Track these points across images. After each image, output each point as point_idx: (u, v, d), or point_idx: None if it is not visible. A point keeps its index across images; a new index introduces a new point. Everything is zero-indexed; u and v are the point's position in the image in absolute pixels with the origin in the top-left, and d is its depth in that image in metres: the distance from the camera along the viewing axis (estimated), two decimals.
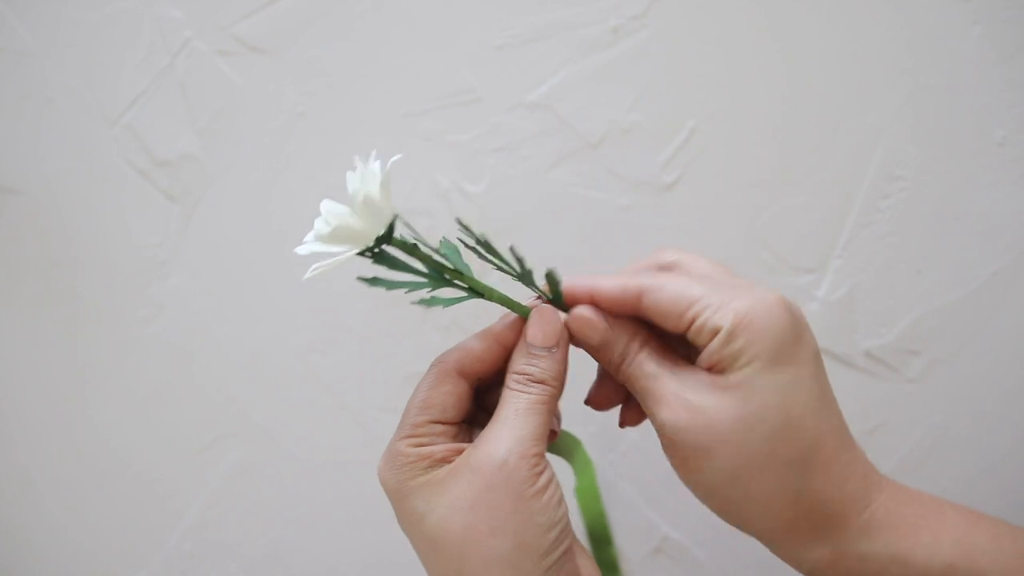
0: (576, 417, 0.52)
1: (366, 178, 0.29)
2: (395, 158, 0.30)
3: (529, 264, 0.32)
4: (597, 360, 0.33)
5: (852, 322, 0.53)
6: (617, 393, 0.35)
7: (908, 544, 0.29)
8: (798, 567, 0.30)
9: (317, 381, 0.57)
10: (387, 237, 0.30)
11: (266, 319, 0.57)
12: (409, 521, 0.30)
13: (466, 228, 0.31)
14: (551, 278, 0.32)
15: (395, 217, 0.31)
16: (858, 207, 0.53)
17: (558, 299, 0.32)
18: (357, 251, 0.30)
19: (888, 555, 0.29)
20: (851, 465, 0.30)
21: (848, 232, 0.53)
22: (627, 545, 0.55)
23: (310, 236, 0.30)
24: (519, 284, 0.32)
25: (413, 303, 0.31)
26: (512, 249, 0.31)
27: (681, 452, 0.30)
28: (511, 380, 0.31)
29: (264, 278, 0.57)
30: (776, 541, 0.30)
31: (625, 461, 0.54)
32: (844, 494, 0.29)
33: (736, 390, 0.28)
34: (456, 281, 0.31)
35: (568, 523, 0.30)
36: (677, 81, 0.53)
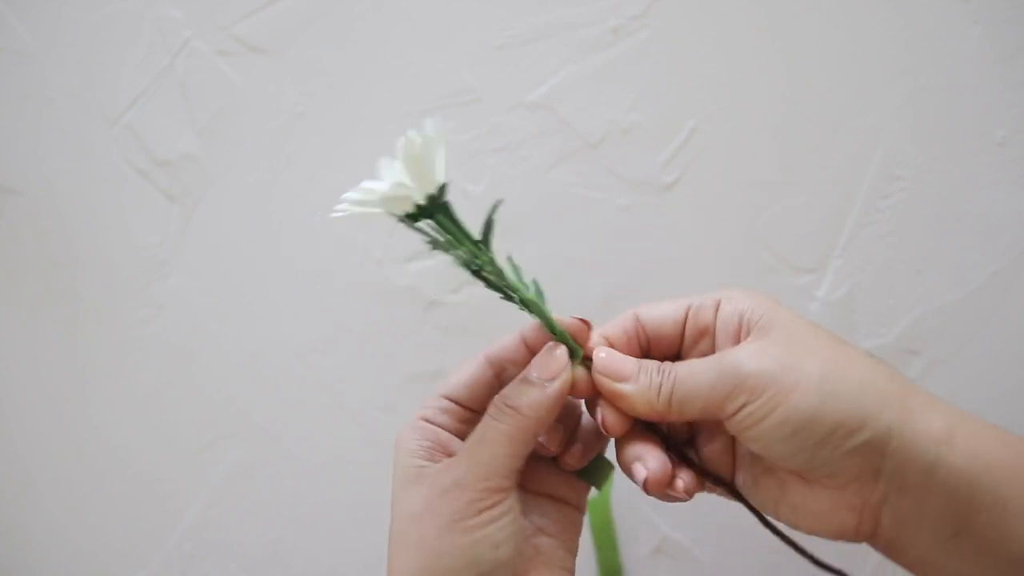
0: None
1: (427, 140, 0.28)
2: (450, 126, 0.30)
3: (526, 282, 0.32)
4: (638, 406, 0.31)
5: (852, 322, 0.53)
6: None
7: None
8: (913, 451, 0.27)
9: (317, 381, 0.57)
10: (436, 200, 0.30)
11: (266, 319, 0.57)
12: (391, 498, 0.31)
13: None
14: (534, 301, 0.32)
15: (445, 185, 0.30)
16: (858, 207, 0.53)
17: (537, 307, 0.32)
18: (402, 212, 0.29)
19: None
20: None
21: (848, 232, 0.53)
22: (627, 545, 0.55)
23: (354, 194, 0.29)
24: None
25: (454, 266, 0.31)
26: (510, 260, 0.31)
27: (768, 391, 0.28)
28: (490, 406, 0.31)
29: (264, 278, 0.57)
30: (896, 410, 0.28)
31: None
32: (909, 389, 0.29)
33: (770, 325, 0.30)
34: (486, 272, 0.31)
35: (504, 568, 0.29)
36: (677, 81, 0.53)
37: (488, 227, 0.30)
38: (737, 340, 0.30)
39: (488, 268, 0.30)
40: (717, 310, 0.31)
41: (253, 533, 0.59)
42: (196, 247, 0.58)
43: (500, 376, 0.33)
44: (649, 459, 0.31)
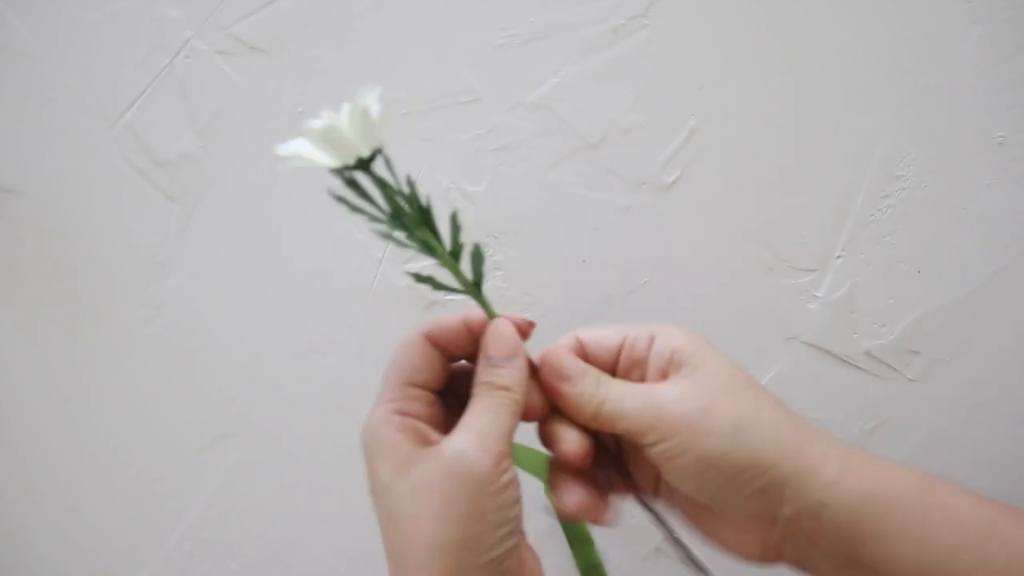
0: None
1: (369, 99, 0.29)
2: (395, 96, 0.31)
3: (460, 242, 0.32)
4: (569, 406, 0.34)
5: (852, 322, 0.53)
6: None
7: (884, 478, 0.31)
8: (807, 497, 0.31)
9: (317, 381, 0.57)
10: (367, 162, 0.31)
11: (266, 319, 0.57)
12: (375, 491, 0.31)
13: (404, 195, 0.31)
14: (476, 256, 0.33)
15: (380, 150, 0.31)
16: (858, 207, 0.53)
17: (479, 280, 0.33)
18: (336, 164, 0.30)
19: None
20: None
21: (848, 232, 0.53)
22: (627, 545, 0.55)
23: (298, 138, 0.30)
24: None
25: (372, 231, 0.31)
26: (454, 217, 0.31)
27: (684, 433, 0.31)
28: (477, 388, 0.33)
29: (264, 278, 0.57)
30: (793, 458, 0.31)
31: None
32: (814, 427, 0.32)
33: (697, 367, 0.32)
34: (417, 234, 0.32)
35: (519, 523, 0.31)
36: (677, 81, 0.53)
37: (413, 197, 0.31)
38: (665, 375, 0.33)
39: (406, 231, 0.31)
40: (651, 345, 0.34)
41: (253, 533, 0.59)
42: (196, 247, 0.58)
43: (444, 354, 0.34)
44: (569, 438, 0.33)
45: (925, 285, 0.53)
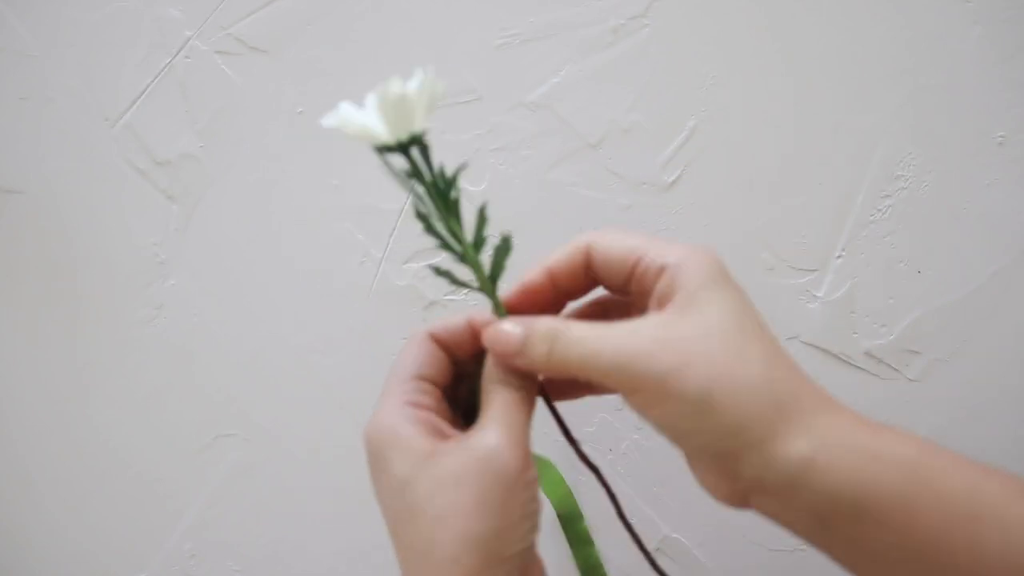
0: (576, 418, 0.52)
1: (430, 78, 0.30)
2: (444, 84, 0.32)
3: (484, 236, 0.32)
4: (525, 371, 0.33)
5: (852, 322, 0.53)
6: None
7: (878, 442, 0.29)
8: (771, 468, 0.29)
9: (317, 381, 0.57)
10: (411, 143, 0.31)
11: (266, 319, 0.57)
12: (387, 486, 0.31)
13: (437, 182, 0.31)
14: (502, 246, 0.32)
15: (425, 132, 0.31)
16: (858, 207, 0.53)
17: (498, 273, 0.33)
18: (389, 138, 0.31)
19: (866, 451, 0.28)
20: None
21: (848, 232, 0.53)
22: (627, 545, 0.55)
23: (348, 106, 0.31)
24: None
25: (414, 209, 0.32)
26: (482, 210, 0.31)
27: (650, 394, 0.29)
28: (492, 386, 0.32)
29: (264, 278, 0.57)
30: (764, 428, 0.29)
31: (625, 461, 0.54)
32: (815, 389, 0.30)
33: (690, 304, 0.30)
34: (449, 224, 0.31)
35: (539, 519, 0.31)
36: (677, 81, 0.53)
37: (448, 183, 0.31)
38: (662, 306, 0.31)
39: (434, 217, 0.31)
40: (660, 276, 0.31)
41: (253, 533, 0.59)
42: (196, 247, 0.58)
43: (448, 355, 0.34)
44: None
45: (925, 285, 0.53)
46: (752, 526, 0.53)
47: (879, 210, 0.53)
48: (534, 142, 0.54)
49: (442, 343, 0.34)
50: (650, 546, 0.54)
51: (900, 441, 0.29)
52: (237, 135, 0.56)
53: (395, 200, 0.55)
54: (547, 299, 0.34)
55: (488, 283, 0.33)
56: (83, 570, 0.60)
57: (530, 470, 0.30)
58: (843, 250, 0.53)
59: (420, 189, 0.31)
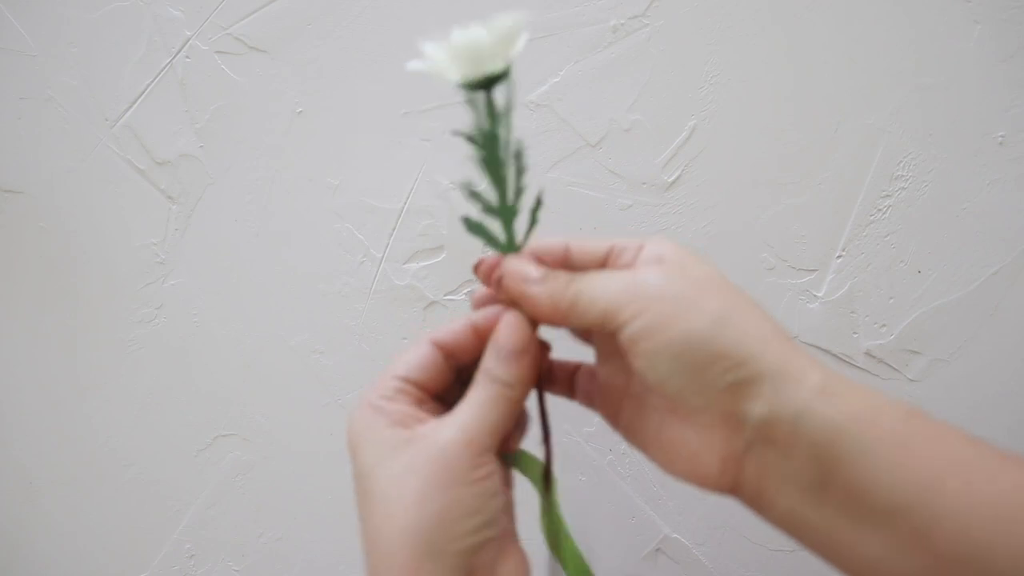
0: (576, 418, 0.52)
1: (513, 22, 0.31)
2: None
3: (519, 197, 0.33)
4: (541, 304, 0.33)
5: (852, 322, 0.53)
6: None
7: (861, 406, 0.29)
8: (783, 398, 0.29)
9: (317, 381, 0.57)
10: (495, 80, 0.32)
11: (266, 319, 0.57)
12: (360, 472, 0.31)
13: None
14: (537, 204, 0.33)
15: (509, 69, 0.32)
16: (858, 207, 0.53)
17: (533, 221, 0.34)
18: (465, 79, 0.32)
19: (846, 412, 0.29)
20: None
21: (848, 232, 0.53)
22: (627, 545, 0.55)
23: (432, 48, 0.32)
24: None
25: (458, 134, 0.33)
26: (518, 152, 0.32)
27: (666, 309, 0.30)
28: (479, 374, 0.33)
29: (264, 278, 0.57)
30: (777, 357, 0.29)
31: (625, 461, 0.54)
32: (793, 347, 0.30)
33: (686, 261, 0.32)
34: (497, 171, 0.33)
35: (497, 519, 0.31)
36: (677, 81, 0.53)
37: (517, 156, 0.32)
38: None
39: (489, 152, 0.33)
40: (639, 252, 0.33)
41: (253, 533, 0.59)
42: (195, 247, 0.58)
43: (450, 360, 0.34)
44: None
45: (925, 285, 0.53)
46: (752, 526, 0.53)
47: (879, 210, 0.53)
48: (534, 142, 0.54)
49: (444, 348, 0.34)
50: (649, 546, 0.54)
51: (892, 397, 0.29)
52: (237, 135, 0.56)
53: (395, 200, 0.55)
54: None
55: (510, 220, 0.33)
56: (83, 570, 0.60)
57: (481, 469, 0.30)
58: (843, 250, 0.53)
59: (495, 127, 0.32)
